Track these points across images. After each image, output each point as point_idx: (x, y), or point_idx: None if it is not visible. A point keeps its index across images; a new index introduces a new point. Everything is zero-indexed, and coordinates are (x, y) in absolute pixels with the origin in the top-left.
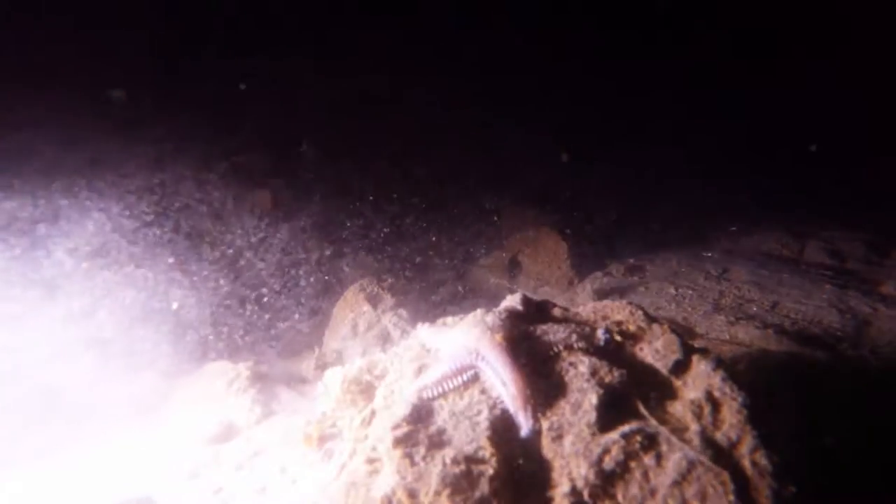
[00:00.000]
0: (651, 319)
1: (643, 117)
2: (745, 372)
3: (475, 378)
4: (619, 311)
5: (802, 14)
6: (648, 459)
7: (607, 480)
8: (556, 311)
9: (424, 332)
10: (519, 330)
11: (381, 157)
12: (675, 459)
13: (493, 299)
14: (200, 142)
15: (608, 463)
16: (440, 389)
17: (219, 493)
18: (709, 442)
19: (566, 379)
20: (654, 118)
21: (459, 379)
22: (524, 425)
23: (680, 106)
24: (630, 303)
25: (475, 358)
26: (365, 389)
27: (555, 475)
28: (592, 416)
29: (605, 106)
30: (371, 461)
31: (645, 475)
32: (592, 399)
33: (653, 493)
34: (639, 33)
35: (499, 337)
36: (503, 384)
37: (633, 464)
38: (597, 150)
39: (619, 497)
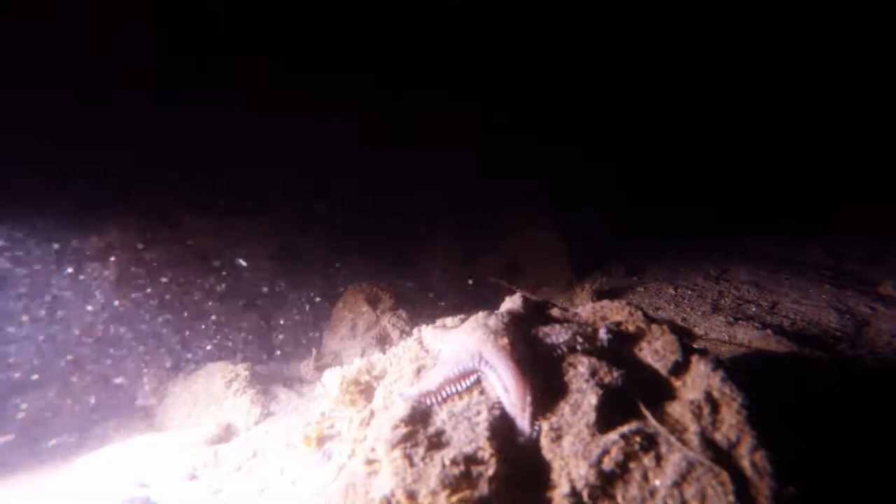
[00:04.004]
0: (650, 320)
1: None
2: (744, 372)
3: (477, 382)
4: (618, 312)
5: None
6: (648, 460)
7: (607, 481)
8: (556, 312)
9: (427, 334)
10: (521, 333)
11: None
12: (674, 460)
13: (492, 299)
14: None
15: (607, 464)
16: (443, 394)
17: (218, 493)
18: (708, 442)
19: (566, 379)
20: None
21: (462, 384)
22: (524, 431)
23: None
24: (629, 303)
25: (478, 362)
26: (364, 390)
27: (554, 476)
28: (592, 416)
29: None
30: (370, 462)
31: (644, 476)
32: (592, 400)
33: (652, 493)
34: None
35: (502, 341)
36: (504, 389)
37: (632, 464)
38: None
39: (619, 498)
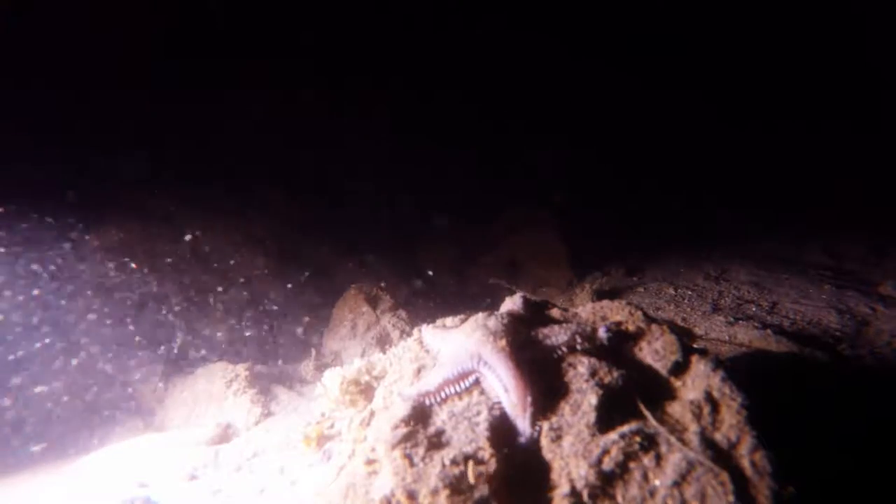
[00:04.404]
0: (650, 320)
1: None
2: (744, 372)
3: (476, 384)
4: (618, 312)
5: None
6: (648, 460)
7: (607, 481)
8: (556, 312)
9: (427, 334)
10: (520, 333)
11: None
12: (674, 460)
13: (492, 299)
14: None
15: (607, 464)
16: (442, 395)
17: (218, 493)
18: (708, 442)
19: (566, 380)
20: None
21: (461, 384)
22: (524, 432)
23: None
24: (629, 303)
25: (477, 363)
26: (364, 390)
27: (554, 476)
28: (592, 416)
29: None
30: (370, 462)
31: (644, 476)
32: (592, 400)
33: (652, 493)
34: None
35: (501, 342)
36: (505, 390)
37: (632, 464)
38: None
39: (619, 498)
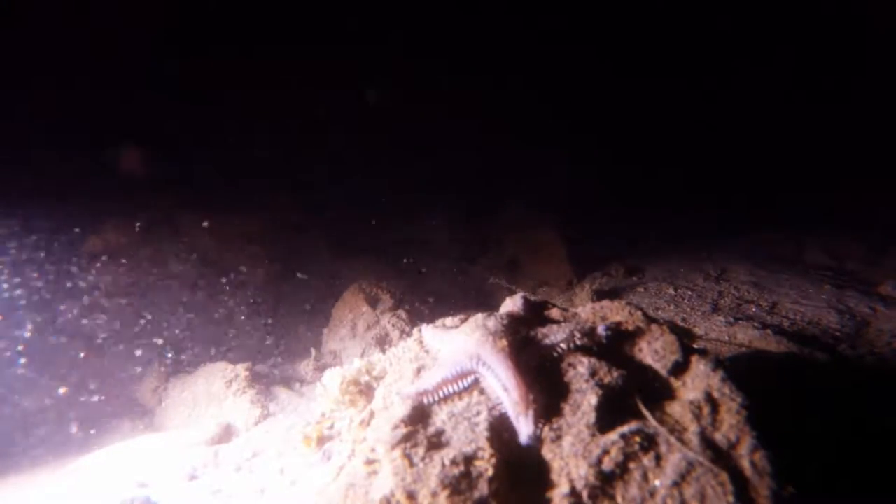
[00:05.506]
0: (650, 320)
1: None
2: (743, 372)
3: (475, 383)
4: (618, 312)
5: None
6: (647, 460)
7: (606, 481)
8: (556, 313)
9: (427, 334)
10: (520, 334)
11: None
12: (674, 460)
13: (492, 299)
14: None
15: (607, 464)
16: (440, 394)
17: (217, 494)
18: (708, 443)
19: (566, 380)
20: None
21: (460, 384)
22: (524, 432)
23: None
24: (629, 303)
25: (476, 363)
26: (364, 390)
27: (554, 476)
28: (591, 416)
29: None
30: (370, 462)
31: (644, 476)
32: (592, 400)
33: (652, 493)
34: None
35: (501, 342)
36: (504, 390)
37: (632, 465)
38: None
39: (619, 498)
